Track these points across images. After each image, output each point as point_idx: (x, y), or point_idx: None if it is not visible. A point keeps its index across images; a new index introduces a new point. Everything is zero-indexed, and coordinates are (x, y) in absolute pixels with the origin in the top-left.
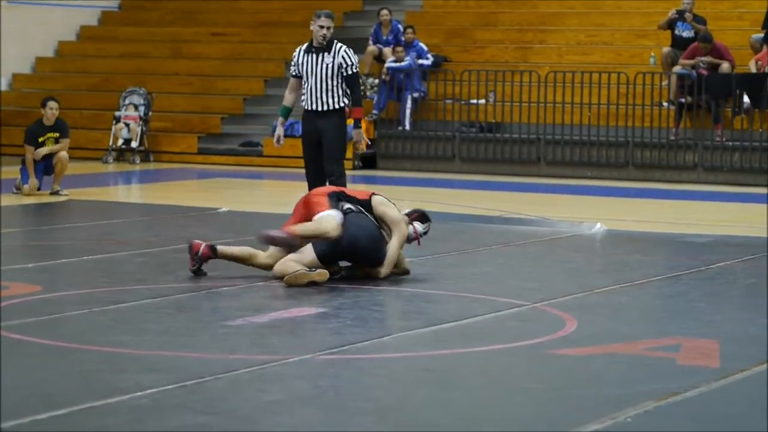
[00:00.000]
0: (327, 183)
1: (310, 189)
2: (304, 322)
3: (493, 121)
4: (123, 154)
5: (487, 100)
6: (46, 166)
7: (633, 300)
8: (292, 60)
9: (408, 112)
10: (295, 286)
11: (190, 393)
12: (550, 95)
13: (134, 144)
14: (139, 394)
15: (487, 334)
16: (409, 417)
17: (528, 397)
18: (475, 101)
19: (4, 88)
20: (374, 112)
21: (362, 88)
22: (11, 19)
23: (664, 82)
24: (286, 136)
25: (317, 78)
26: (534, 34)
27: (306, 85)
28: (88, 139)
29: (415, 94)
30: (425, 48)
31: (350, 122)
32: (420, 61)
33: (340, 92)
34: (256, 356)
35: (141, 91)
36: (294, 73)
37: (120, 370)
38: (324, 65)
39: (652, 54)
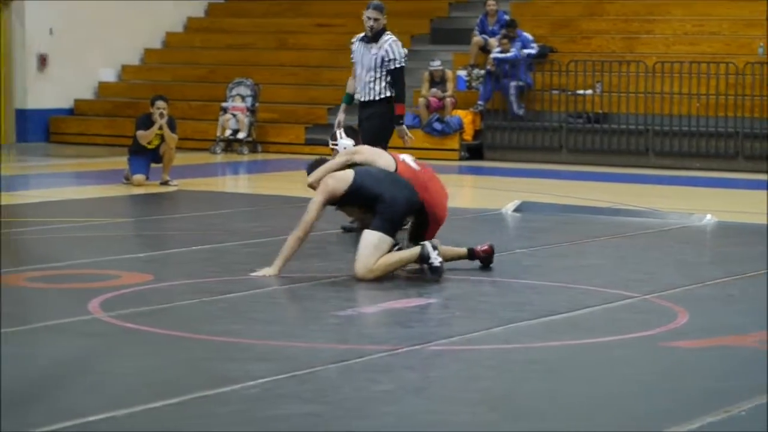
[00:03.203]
0: None
1: None
2: (413, 313)
3: (600, 111)
4: (231, 144)
5: (593, 91)
6: (154, 156)
7: (744, 292)
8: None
9: (513, 99)
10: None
11: (301, 382)
12: (657, 85)
13: (242, 135)
14: (250, 383)
15: (598, 325)
16: (518, 408)
17: (640, 389)
18: (581, 92)
19: (113, 79)
20: (480, 103)
21: (467, 79)
22: (120, 11)
23: None
24: None
25: (364, 68)
26: (641, 24)
27: (357, 74)
28: (196, 130)
29: (520, 83)
30: (530, 38)
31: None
32: (525, 51)
33: (383, 84)
34: (365, 346)
35: (248, 82)
36: (352, 60)
37: (230, 360)
38: (370, 55)
39: (761, 44)
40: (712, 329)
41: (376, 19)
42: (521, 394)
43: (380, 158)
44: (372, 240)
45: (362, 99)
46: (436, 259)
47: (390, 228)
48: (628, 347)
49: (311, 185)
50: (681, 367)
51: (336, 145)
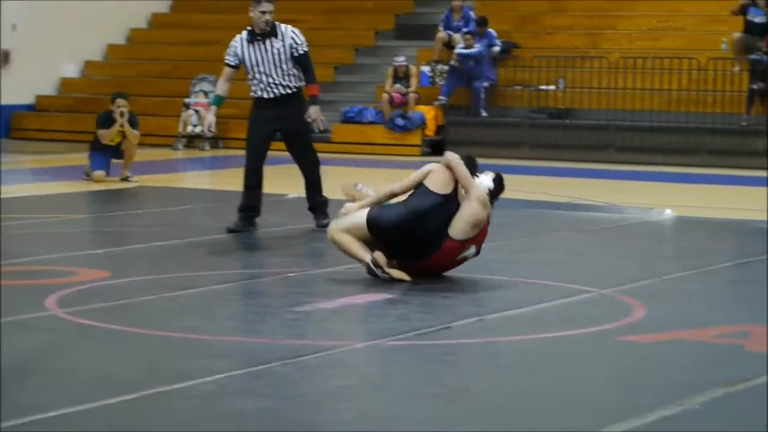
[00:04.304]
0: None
1: (248, 173)
2: (372, 308)
3: (563, 107)
4: (192, 140)
5: (557, 87)
6: (115, 152)
7: (702, 287)
8: (229, 49)
9: (482, 101)
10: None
11: (258, 378)
12: (620, 81)
13: (200, 130)
14: (207, 379)
15: (556, 320)
16: (477, 402)
17: (597, 383)
18: (545, 87)
19: (75, 75)
20: (441, 98)
21: (431, 75)
22: (84, 7)
23: (735, 68)
24: (353, 122)
25: (269, 65)
26: (605, 19)
27: (256, 75)
28: (159, 126)
29: (485, 84)
30: (495, 35)
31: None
32: (493, 48)
33: (295, 74)
34: (323, 342)
35: (211, 78)
36: (232, 63)
37: (188, 356)
38: (274, 51)
39: (724, 40)
40: (668, 323)
41: (271, 12)
42: (480, 388)
43: (483, 209)
44: (357, 212)
45: (275, 96)
46: (383, 275)
47: (373, 224)
48: (585, 342)
49: (449, 162)
50: (637, 361)
51: None
